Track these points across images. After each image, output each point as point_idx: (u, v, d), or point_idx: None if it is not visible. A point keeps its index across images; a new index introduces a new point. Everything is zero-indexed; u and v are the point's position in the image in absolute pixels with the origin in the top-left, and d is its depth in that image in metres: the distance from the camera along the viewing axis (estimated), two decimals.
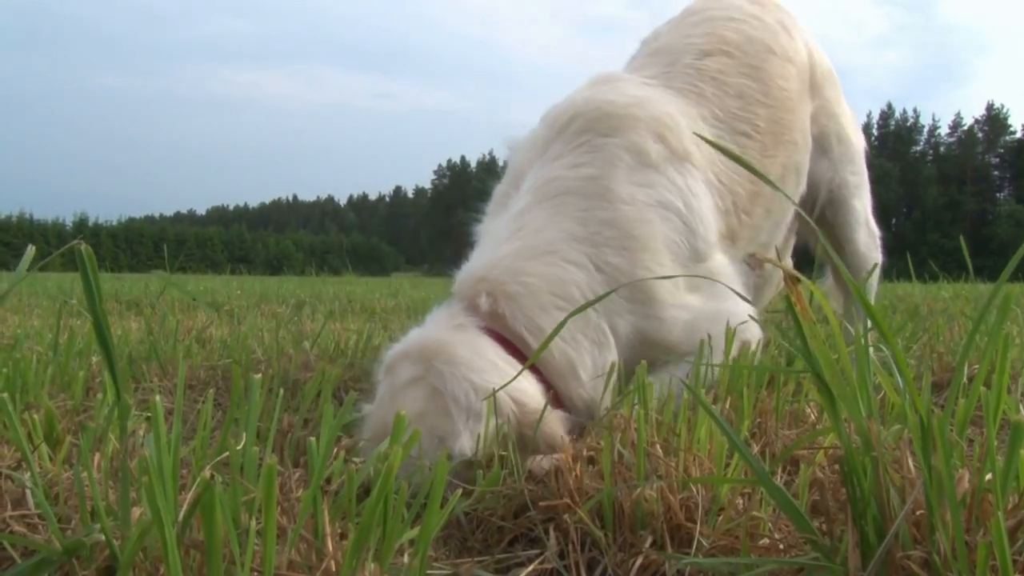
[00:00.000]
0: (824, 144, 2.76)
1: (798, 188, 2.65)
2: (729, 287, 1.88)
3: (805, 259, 3.34)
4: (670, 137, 2.07)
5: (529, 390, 1.74)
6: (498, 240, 2.00)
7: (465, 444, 1.59)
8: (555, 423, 1.68)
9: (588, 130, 2.06)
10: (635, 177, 1.99)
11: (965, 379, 1.14)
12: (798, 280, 0.88)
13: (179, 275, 12.73)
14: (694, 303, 1.98)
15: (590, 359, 1.86)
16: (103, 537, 0.92)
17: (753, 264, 2.21)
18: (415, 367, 1.72)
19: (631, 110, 2.06)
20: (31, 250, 1.02)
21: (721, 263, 2.11)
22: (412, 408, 1.63)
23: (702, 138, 1.15)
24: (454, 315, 1.88)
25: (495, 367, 1.71)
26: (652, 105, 2.11)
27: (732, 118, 2.30)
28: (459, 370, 1.67)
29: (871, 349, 1.19)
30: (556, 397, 1.82)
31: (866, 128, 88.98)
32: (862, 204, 2.89)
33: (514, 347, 1.81)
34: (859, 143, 2.91)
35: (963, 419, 1.08)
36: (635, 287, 1.90)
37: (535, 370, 1.78)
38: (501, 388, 1.57)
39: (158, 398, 0.93)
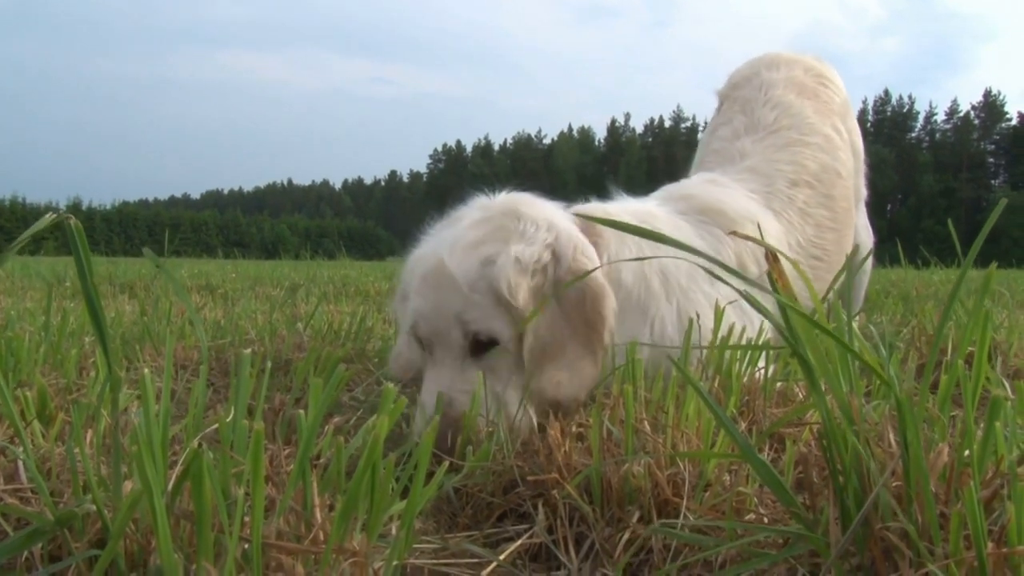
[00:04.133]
0: None
1: None
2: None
3: None
4: (764, 263, 2.26)
5: (593, 255, 1.79)
6: (626, 206, 2.14)
7: (510, 257, 1.63)
8: (601, 285, 1.72)
9: (705, 214, 2.26)
10: (737, 283, 2.13)
11: (949, 358, 1.16)
12: (778, 257, 0.89)
13: (173, 259, 12.71)
14: None
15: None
16: (94, 508, 0.93)
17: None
18: (488, 212, 1.78)
19: (745, 224, 2.28)
20: (47, 217, 1.03)
21: None
22: (469, 238, 1.70)
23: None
24: (560, 208, 1.94)
25: (578, 232, 1.79)
26: (760, 227, 2.32)
27: (809, 244, 2.62)
28: (542, 213, 1.73)
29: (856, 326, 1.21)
30: None
31: (862, 114, 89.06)
32: (862, 212, 3.17)
33: None
34: (863, 151, 3.17)
35: (944, 395, 1.09)
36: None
37: None
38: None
39: (147, 371, 0.94)
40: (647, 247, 1.94)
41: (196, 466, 0.79)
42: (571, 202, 2.42)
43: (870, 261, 3.21)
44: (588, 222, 1.86)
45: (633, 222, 2.00)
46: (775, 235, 2.43)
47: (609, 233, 1.89)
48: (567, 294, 1.69)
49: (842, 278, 3.03)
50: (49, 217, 0.90)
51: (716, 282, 2.03)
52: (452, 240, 1.72)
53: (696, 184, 2.44)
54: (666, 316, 1.94)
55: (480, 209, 1.81)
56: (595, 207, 2.06)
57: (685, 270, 2.02)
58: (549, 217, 1.76)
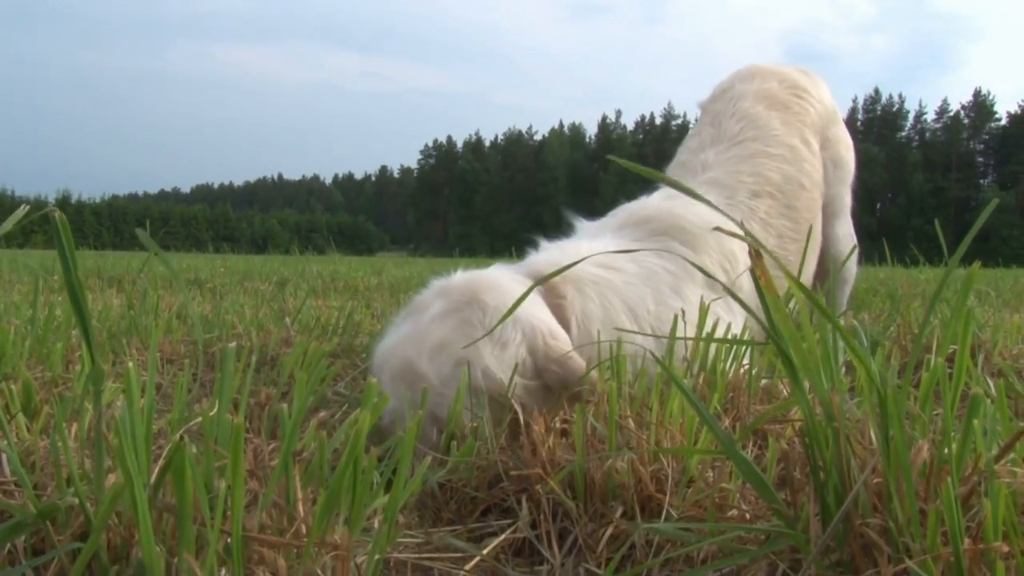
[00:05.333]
0: (825, 173, 3.03)
1: None
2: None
3: None
4: (731, 272, 2.37)
5: (563, 336, 1.80)
6: (580, 249, 2.10)
7: (490, 365, 1.64)
8: (580, 364, 1.73)
9: (666, 234, 2.29)
10: (703, 293, 2.15)
11: (933, 356, 1.18)
12: (761, 253, 0.89)
13: (161, 252, 12.64)
14: None
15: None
16: (77, 501, 0.93)
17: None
18: (449, 302, 1.76)
19: (706, 235, 2.32)
20: (21, 209, 1.03)
21: None
22: (435, 337, 1.69)
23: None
24: (515, 273, 1.94)
25: (542, 312, 1.80)
26: (723, 237, 2.34)
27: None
28: (503, 300, 1.72)
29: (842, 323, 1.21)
30: None
31: (852, 113, 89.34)
32: (846, 222, 3.16)
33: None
34: (852, 162, 3.17)
35: (926, 393, 1.10)
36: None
37: None
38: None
39: (131, 365, 0.94)
40: (608, 292, 1.98)
41: (178, 459, 0.79)
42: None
43: (853, 271, 3.20)
44: (555, 282, 1.90)
45: (595, 272, 2.02)
46: (737, 248, 2.43)
47: (571, 291, 1.92)
48: (552, 378, 1.72)
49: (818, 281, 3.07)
50: (12, 221, 0.90)
51: (687, 296, 2.07)
52: (417, 339, 1.71)
53: (654, 203, 2.44)
54: (645, 343, 1.96)
55: (441, 296, 1.79)
56: (552, 263, 2.00)
57: (651, 295, 2.06)
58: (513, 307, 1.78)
